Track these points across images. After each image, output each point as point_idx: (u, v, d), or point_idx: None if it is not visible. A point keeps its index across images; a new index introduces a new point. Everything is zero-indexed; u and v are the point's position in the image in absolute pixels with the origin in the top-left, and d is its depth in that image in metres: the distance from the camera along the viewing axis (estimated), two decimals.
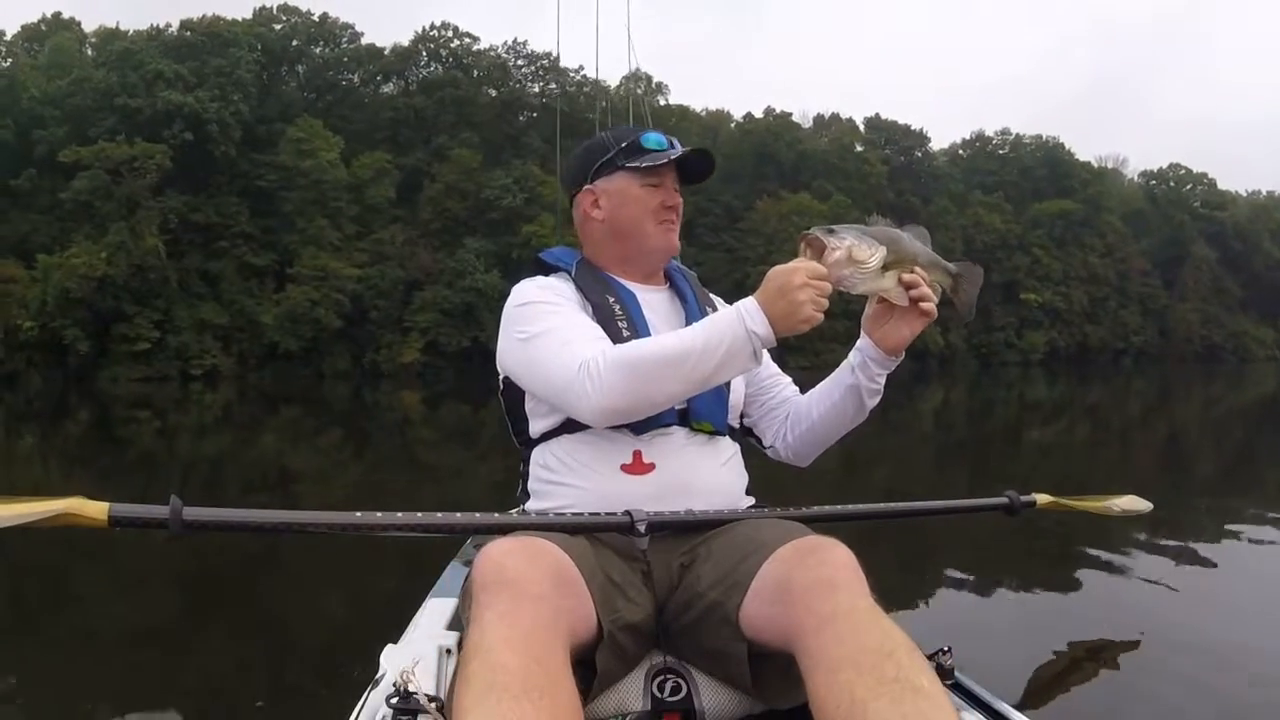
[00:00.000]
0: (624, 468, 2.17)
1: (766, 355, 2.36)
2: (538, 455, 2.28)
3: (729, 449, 2.36)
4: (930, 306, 2.18)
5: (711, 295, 2.63)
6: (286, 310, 56.52)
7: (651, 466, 2.18)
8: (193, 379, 51.95)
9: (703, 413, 2.26)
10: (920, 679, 1.47)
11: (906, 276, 2.14)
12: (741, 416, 2.52)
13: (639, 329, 2.27)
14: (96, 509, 1.88)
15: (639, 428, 2.16)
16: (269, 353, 57.10)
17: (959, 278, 2.36)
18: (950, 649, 1.98)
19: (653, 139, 2.44)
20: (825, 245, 2.04)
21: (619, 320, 2.27)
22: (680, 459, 2.21)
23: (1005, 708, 1.97)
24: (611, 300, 2.32)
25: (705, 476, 2.24)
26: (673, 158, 2.40)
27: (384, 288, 58.96)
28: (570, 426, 2.20)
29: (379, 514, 2.02)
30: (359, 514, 2.02)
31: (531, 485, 2.29)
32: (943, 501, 2.59)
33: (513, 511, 2.42)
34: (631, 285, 2.42)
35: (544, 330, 2.19)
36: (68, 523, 1.86)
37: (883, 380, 2.34)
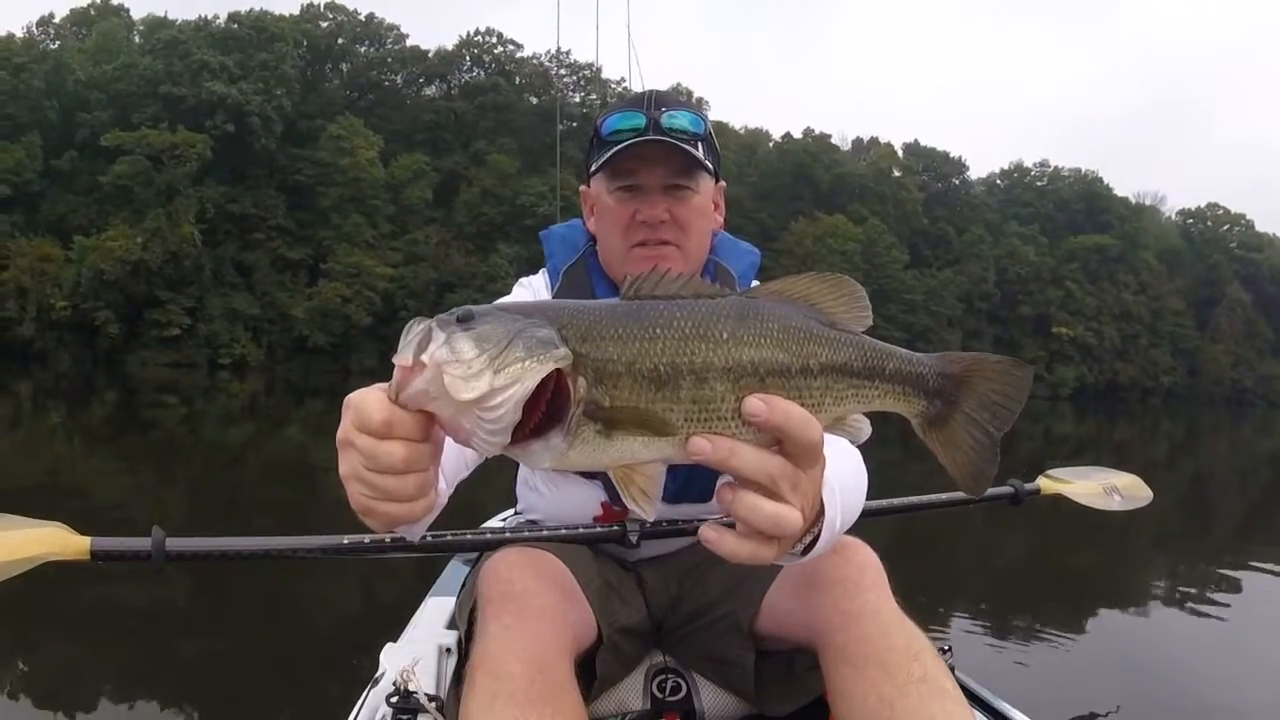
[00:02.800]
0: (596, 519, 1.97)
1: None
2: (523, 468, 2.14)
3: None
4: (756, 541, 1.04)
5: None
6: (318, 305, 56.82)
7: (625, 512, 1.92)
8: (221, 367, 52.36)
9: (676, 492, 1.93)
10: (946, 682, 1.47)
11: (695, 449, 0.97)
12: None
13: None
14: (78, 545, 1.84)
15: (615, 497, 1.89)
16: (298, 346, 57.41)
17: (937, 400, 1.14)
18: (950, 648, 1.95)
19: (612, 121, 1.89)
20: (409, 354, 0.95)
21: None
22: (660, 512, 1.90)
23: (1005, 707, 1.96)
24: None
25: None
26: (626, 144, 1.85)
27: (416, 288, 59.13)
28: None
29: (367, 538, 1.92)
30: (346, 539, 1.93)
31: (520, 491, 2.21)
32: (947, 494, 2.48)
33: (509, 512, 2.40)
34: None
35: None
36: (49, 561, 1.80)
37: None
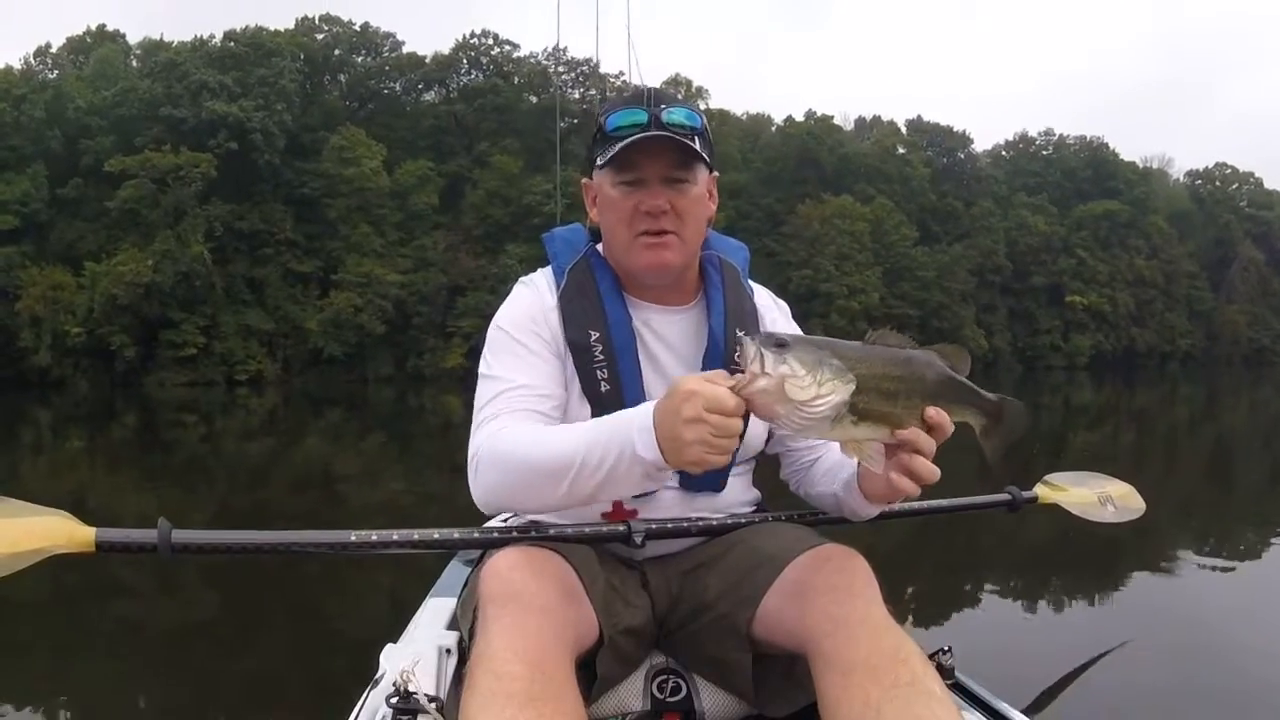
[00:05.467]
0: (604, 516, 1.99)
1: None
2: None
3: (730, 488, 2.10)
4: (915, 483, 1.73)
5: (763, 296, 2.24)
6: (331, 316, 56.88)
7: (634, 513, 1.99)
8: (238, 384, 52.49)
9: (695, 482, 2.02)
10: (933, 685, 1.50)
11: (902, 434, 1.67)
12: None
13: (624, 378, 1.97)
14: (84, 536, 1.83)
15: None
16: (313, 358, 57.49)
17: (993, 420, 1.87)
18: (950, 649, 1.99)
19: (616, 118, 1.98)
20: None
21: (597, 366, 1.97)
22: (669, 509, 2.02)
23: (1005, 707, 1.98)
24: (595, 337, 1.98)
25: (696, 514, 2.05)
26: (632, 139, 1.93)
27: (427, 293, 59.22)
28: None
29: (374, 534, 1.95)
30: (353, 535, 1.96)
31: None
32: (946, 500, 2.53)
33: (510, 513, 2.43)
34: (639, 306, 2.06)
35: (491, 377, 1.98)
36: (55, 554, 1.80)
37: (871, 513, 1.99)
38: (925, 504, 2.49)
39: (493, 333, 2.05)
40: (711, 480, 2.02)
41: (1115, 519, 3.16)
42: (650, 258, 1.97)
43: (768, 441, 2.17)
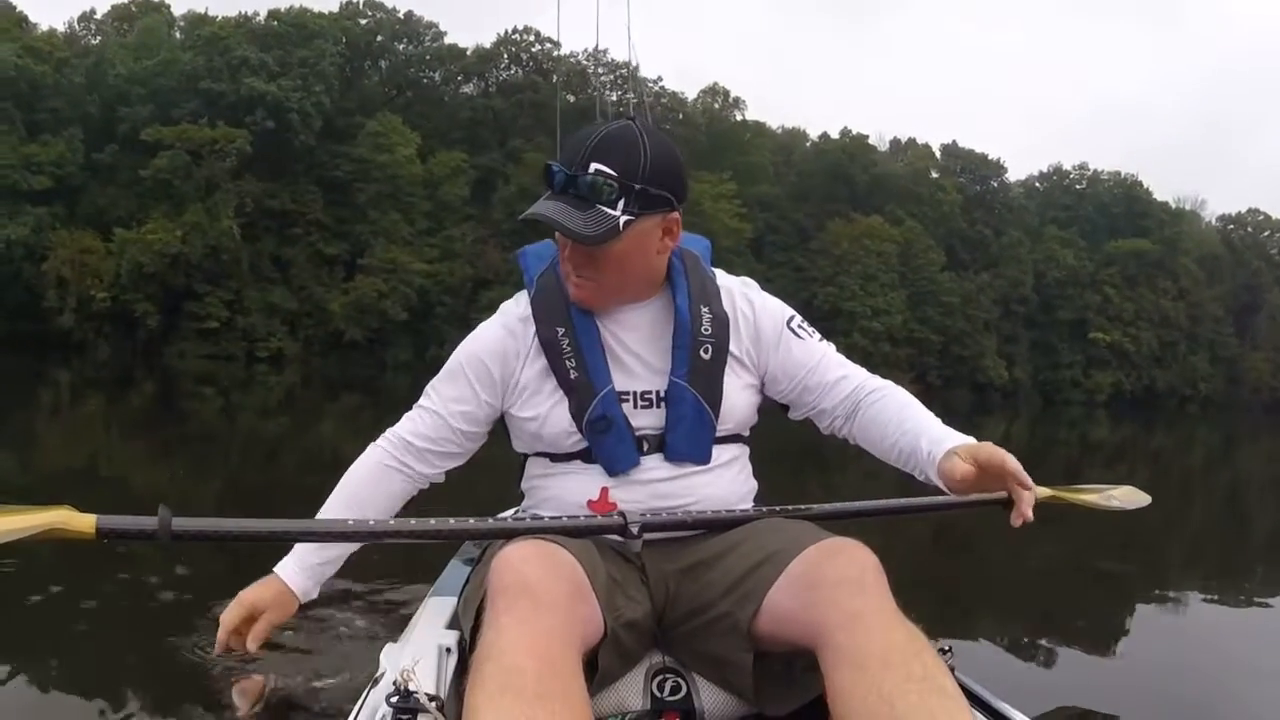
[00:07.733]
0: (590, 504, 2.04)
1: (816, 354, 2.17)
2: (529, 462, 2.22)
3: (723, 466, 2.12)
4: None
5: (723, 279, 2.21)
6: (354, 300, 57.18)
7: (614, 506, 2.01)
8: (258, 360, 52.66)
9: (682, 450, 2.05)
10: (945, 680, 1.50)
11: None
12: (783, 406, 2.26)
13: (590, 367, 2.03)
14: (84, 522, 1.79)
15: (610, 469, 2.03)
16: (334, 340, 57.75)
17: None
18: (950, 648, 1.97)
19: (553, 165, 2.02)
20: None
21: (566, 357, 2.04)
22: (653, 497, 2.04)
23: (1005, 707, 1.97)
24: (561, 332, 2.06)
25: (684, 505, 2.05)
26: (531, 213, 2.01)
27: (451, 284, 59.36)
28: (543, 451, 2.15)
29: (372, 521, 1.94)
30: (351, 521, 1.96)
31: (524, 485, 2.24)
32: (942, 497, 2.50)
33: (511, 511, 2.43)
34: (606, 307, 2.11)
35: (429, 390, 2.21)
36: (55, 537, 1.83)
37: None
38: (923, 500, 2.46)
39: (452, 357, 2.19)
40: (696, 450, 2.04)
41: (1120, 507, 3.13)
42: (573, 293, 2.05)
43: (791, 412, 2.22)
